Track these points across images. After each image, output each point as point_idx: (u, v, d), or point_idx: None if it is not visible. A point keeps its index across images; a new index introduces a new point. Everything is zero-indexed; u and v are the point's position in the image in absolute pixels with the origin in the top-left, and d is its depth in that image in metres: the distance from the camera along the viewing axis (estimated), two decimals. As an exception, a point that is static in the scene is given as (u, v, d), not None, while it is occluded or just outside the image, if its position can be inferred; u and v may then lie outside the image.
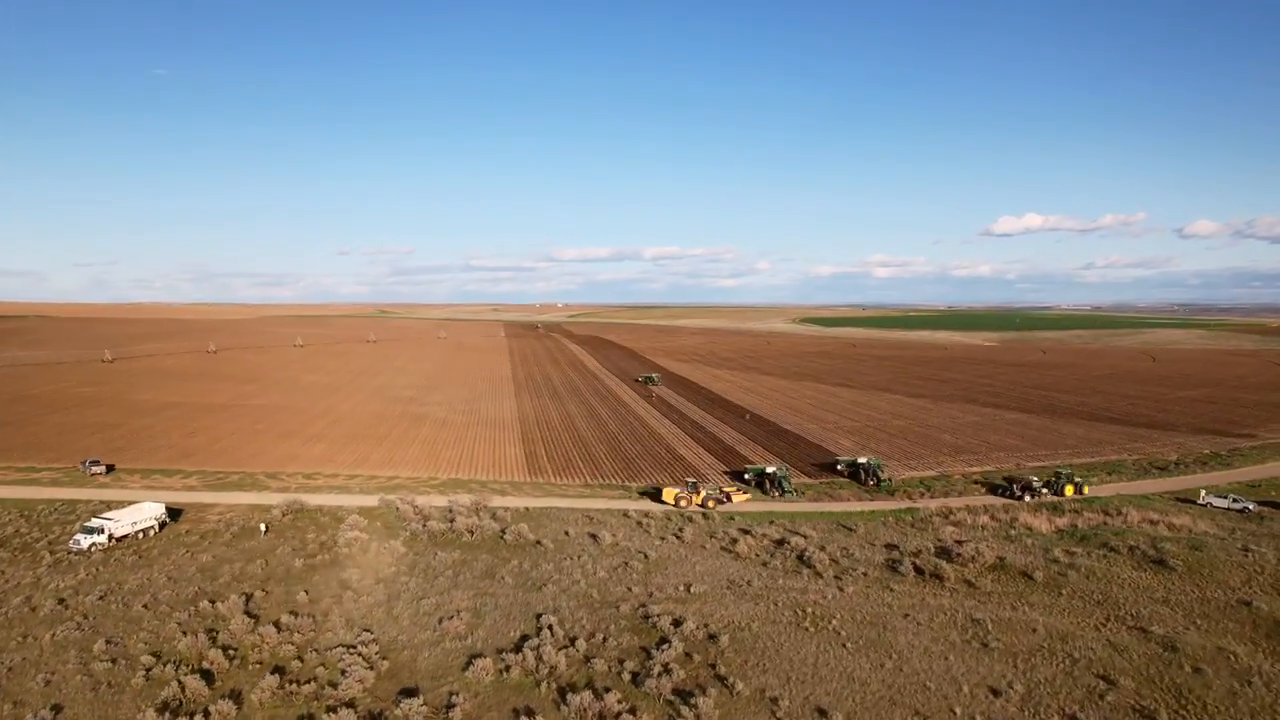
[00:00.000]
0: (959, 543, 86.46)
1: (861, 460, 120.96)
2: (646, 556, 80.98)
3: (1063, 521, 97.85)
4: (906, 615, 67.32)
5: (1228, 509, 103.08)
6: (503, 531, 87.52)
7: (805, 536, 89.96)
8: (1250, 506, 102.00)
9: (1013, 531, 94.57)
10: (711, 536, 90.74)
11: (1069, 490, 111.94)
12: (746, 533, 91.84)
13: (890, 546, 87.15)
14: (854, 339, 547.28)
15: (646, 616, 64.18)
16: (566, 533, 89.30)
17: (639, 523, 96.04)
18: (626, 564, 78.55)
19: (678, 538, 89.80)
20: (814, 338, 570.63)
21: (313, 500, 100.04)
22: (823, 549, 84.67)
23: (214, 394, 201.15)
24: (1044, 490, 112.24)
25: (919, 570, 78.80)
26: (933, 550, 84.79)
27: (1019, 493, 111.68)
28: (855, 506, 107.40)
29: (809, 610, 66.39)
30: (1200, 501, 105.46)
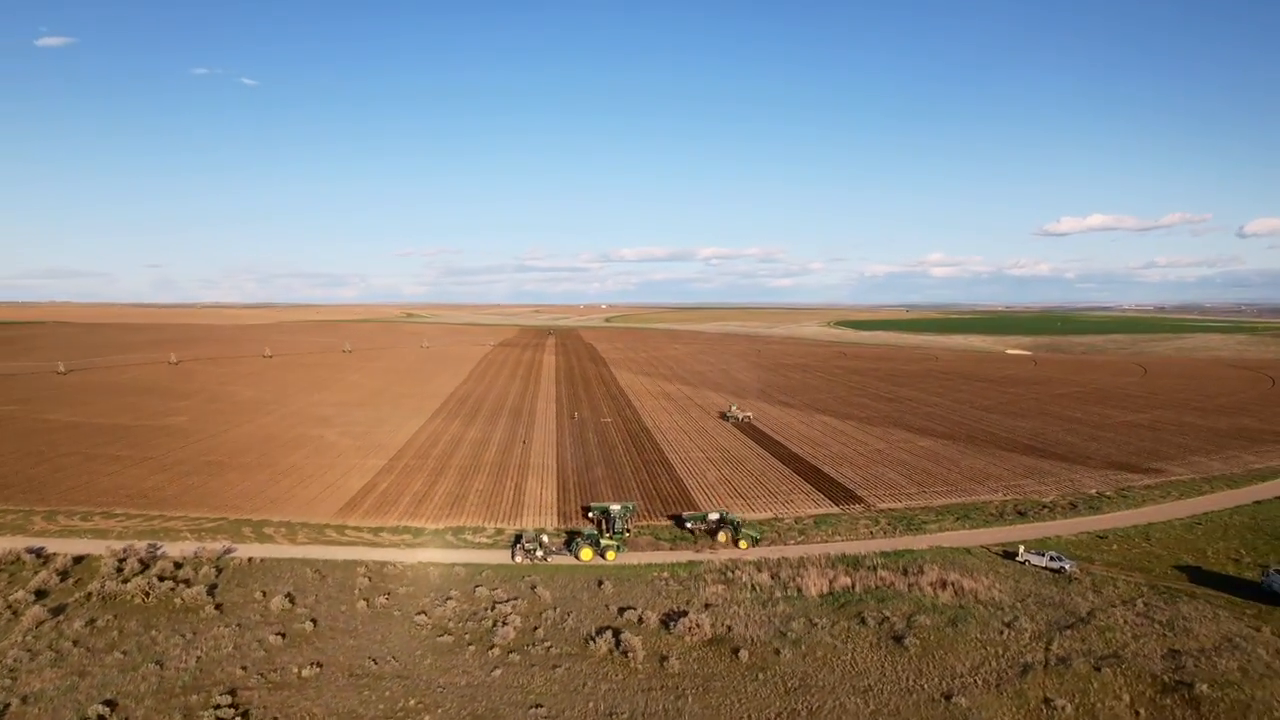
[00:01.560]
0: (688, 609, 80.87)
1: (713, 516, 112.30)
2: (315, 623, 76.46)
3: (845, 581, 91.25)
4: (539, 706, 62.44)
5: (1045, 567, 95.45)
6: (175, 588, 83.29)
7: (528, 599, 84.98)
8: (1067, 566, 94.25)
9: (780, 593, 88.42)
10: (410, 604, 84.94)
11: (743, 544, 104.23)
12: (473, 588, 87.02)
13: (624, 609, 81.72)
14: (856, 347, 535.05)
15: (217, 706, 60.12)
16: (289, 595, 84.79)
17: (389, 573, 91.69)
18: (284, 634, 74.25)
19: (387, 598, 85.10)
20: (818, 345, 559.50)
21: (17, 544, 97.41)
22: (526, 615, 79.76)
23: (126, 412, 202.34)
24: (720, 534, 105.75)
25: (617, 645, 73.54)
26: (655, 620, 79.42)
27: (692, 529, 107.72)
28: (660, 557, 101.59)
29: (414, 701, 61.76)
30: (1019, 558, 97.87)
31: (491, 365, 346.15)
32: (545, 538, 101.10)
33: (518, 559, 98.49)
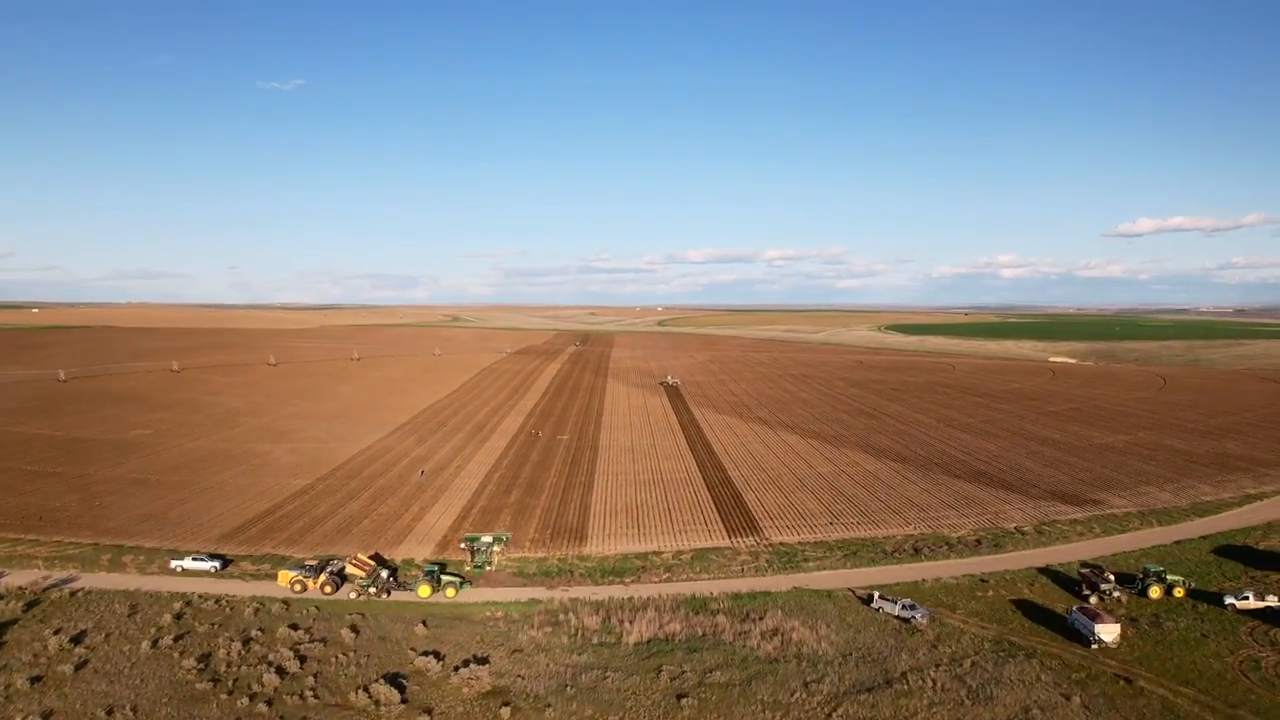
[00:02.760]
0: (494, 654, 79.05)
1: (486, 538, 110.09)
2: (81, 666, 76.18)
3: (674, 628, 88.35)
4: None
5: (896, 616, 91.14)
6: None
7: (333, 641, 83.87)
8: (917, 616, 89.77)
9: (599, 639, 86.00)
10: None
11: (450, 592, 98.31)
12: (287, 626, 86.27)
13: (425, 654, 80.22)
14: (885, 354, 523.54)
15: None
16: (79, 634, 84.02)
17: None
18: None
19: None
20: (847, 351, 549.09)
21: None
22: (317, 660, 78.81)
23: (99, 424, 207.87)
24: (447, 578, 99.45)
25: (378, 699, 72.03)
26: (445, 668, 77.81)
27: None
28: (508, 594, 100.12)
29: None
30: (874, 605, 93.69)
31: (489, 375, 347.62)
32: (385, 572, 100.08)
33: (351, 595, 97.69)
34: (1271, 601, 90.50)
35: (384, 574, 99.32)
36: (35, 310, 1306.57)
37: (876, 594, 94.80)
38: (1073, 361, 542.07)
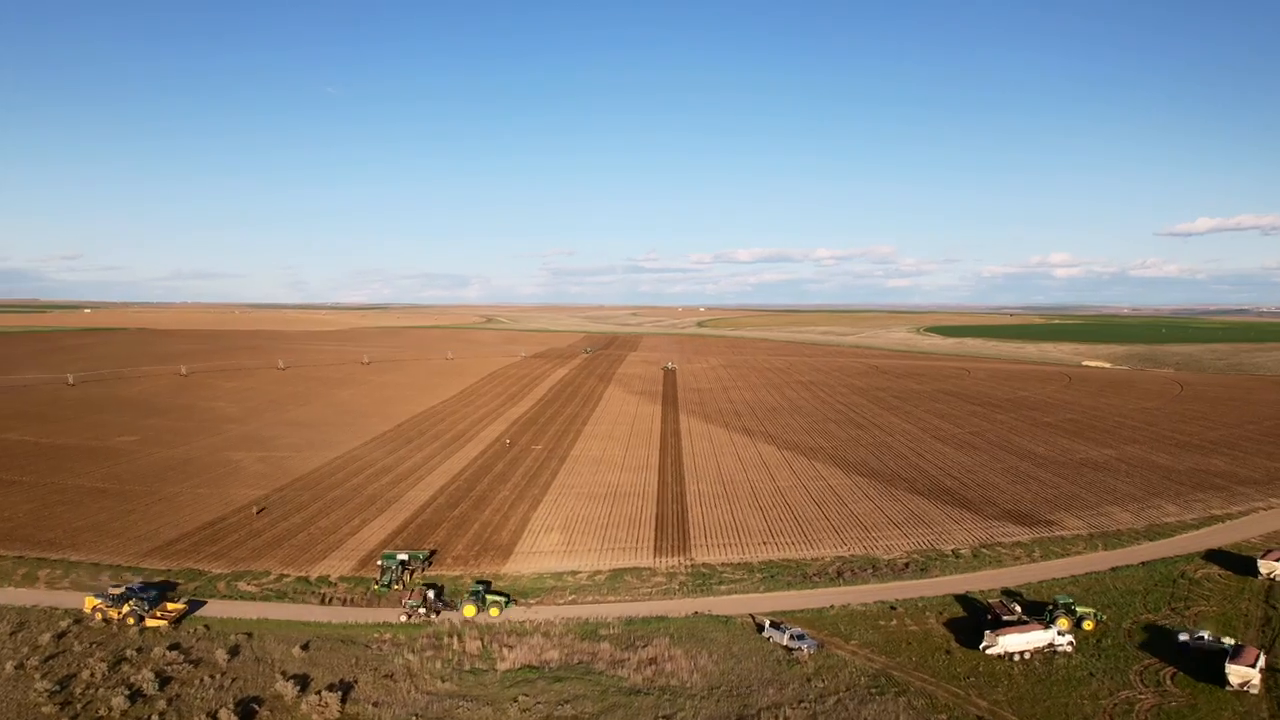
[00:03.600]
0: (361, 679, 79.38)
1: (402, 556, 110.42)
2: None
3: (553, 655, 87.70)
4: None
5: (784, 645, 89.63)
6: None
7: (205, 662, 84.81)
8: (804, 646, 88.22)
9: (472, 665, 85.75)
10: None
11: (494, 611, 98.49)
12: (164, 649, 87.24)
13: (294, 678, 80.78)
14: (907, 357, 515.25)
15: None
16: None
17: None
18: None
19: None
20: (868, 355, 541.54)
21: None
22: (181, 682, 79.79)
23: (87, 430, 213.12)
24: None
25: (226, 723, 72.75)
26: (300, 693, 78.21)
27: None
28: (315, 615, 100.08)
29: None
30: (764, 633, 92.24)
31: (493, 380, 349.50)
32: (431, 592, 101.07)
33: (401, 618, 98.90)
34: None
35: (430, 594, 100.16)
36: (88, 311, 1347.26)
37: (767, 622, 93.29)
38: (1107, 366, 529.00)
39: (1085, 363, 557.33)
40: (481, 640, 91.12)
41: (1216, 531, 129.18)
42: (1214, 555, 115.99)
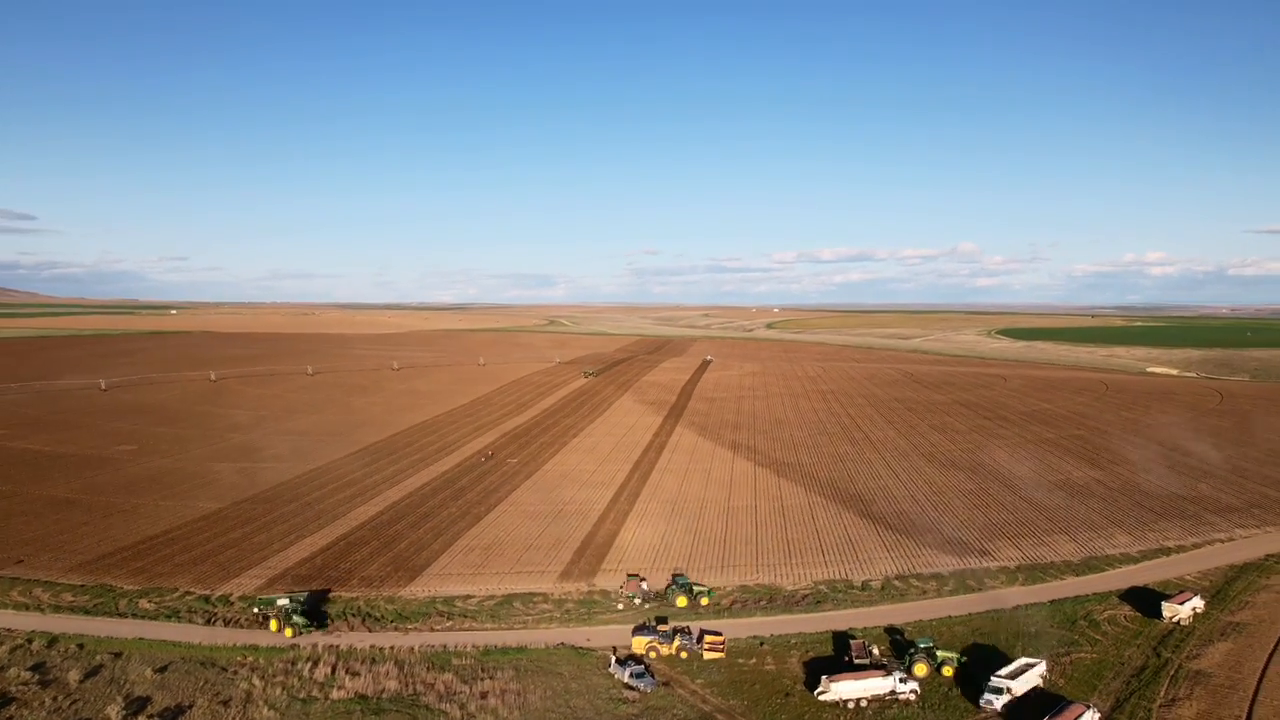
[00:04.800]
0: (199, 704, 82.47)
1: (282, 601, 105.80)
2: None
3: (392, 685, 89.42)
4: None
5: (625, 682, 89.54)
6: None
7: (55, 684, 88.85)
8: (644, 685, 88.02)
9: (309, 693, 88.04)
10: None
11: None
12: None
13: (135, 701, 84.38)
14: (952, 363, 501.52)
15: None
16: None
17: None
18: None
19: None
20: (907, 359, 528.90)
21: None
22: (23, 703, 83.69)
23: (99, 438, 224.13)
24: None
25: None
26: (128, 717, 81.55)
27: None
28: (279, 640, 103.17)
29: None
30: (610, 668, 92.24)
31: (512, 388, 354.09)
32: None
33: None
34: (1018, 685, 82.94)
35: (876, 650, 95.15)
36: (174, 312, 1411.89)
37: (614, 658, 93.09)
38: (1173, 372, 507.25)
39: (1149, 369, 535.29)
40: (333, 666, 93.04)
41: (1155, 566, 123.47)
42: (1131, 594, 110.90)
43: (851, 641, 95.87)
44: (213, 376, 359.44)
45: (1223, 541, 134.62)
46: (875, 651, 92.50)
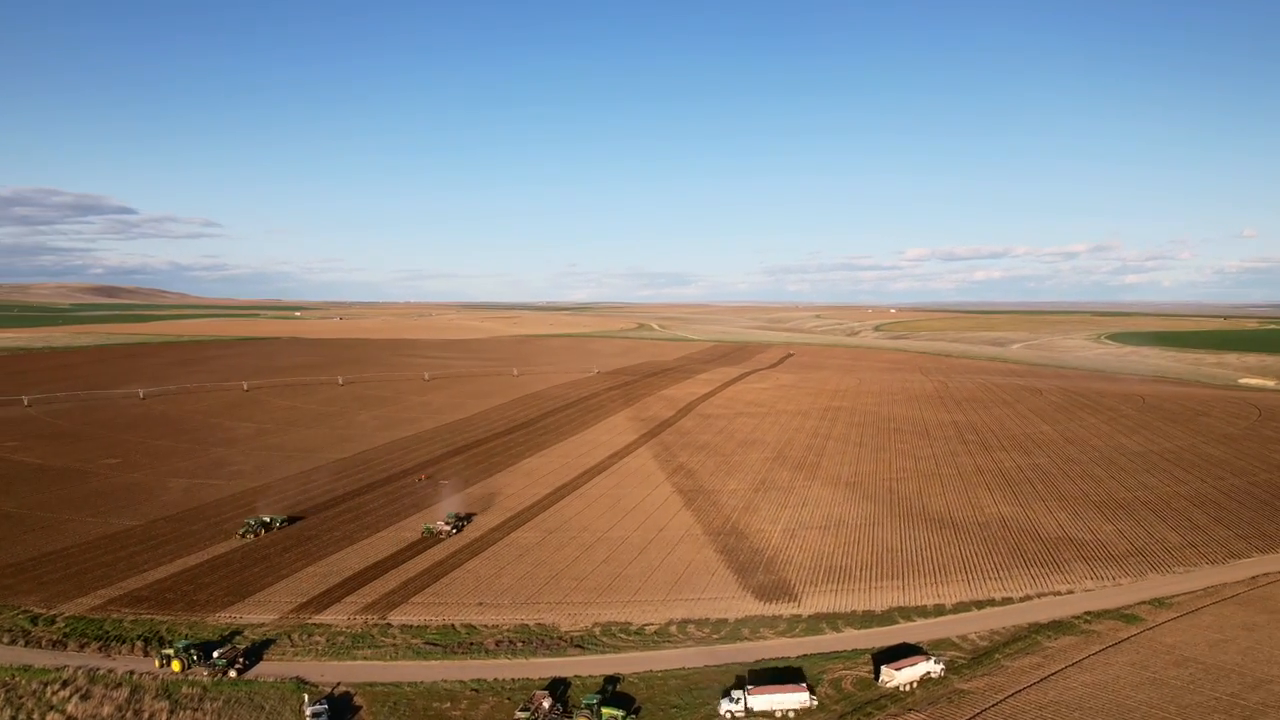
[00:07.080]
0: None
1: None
2: None
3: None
4: None
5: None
6: None
7: None
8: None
9: (129, 717, 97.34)
10: None
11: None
12: None
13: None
14: (1007, 374, 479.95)
15: None
16: None
17: None
18: None
19: None
20: (978, 370, 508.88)
21: None
22: None
23: (103, 450, 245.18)
24: None
25: None
26: None
27: None
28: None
29: None
30: (304, 708, 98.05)
31: (524, 402, 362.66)
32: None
33: None
34: None
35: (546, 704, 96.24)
36: (298, 314, 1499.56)
37: (306, 696, 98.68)
38: (1270, 385, 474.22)
39: (1242, 380, 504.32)
40: (123, 694, 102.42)
41: (952, 621, 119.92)
42: (889, 652, 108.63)
43: (536, 693, 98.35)
44: (245, 387, 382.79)
45: (1084, 592, 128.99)
46: (546, 705, 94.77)
